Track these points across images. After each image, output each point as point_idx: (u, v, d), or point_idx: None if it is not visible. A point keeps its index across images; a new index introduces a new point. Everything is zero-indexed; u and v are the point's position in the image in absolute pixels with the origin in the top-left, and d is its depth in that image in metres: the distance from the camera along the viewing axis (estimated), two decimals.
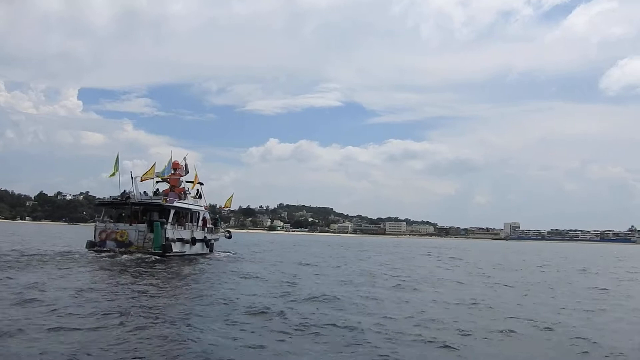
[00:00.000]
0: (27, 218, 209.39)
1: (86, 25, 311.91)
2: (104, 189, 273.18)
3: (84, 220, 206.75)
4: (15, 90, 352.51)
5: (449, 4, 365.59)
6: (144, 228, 28.06)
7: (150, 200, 29.54)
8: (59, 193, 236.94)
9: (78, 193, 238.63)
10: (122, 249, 27.51)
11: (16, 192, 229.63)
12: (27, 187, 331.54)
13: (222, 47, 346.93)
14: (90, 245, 28.47)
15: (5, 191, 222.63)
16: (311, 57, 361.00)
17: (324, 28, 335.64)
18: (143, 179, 29.80)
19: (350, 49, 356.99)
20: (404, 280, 22.47)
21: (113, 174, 29.39)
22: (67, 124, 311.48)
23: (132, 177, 29.55)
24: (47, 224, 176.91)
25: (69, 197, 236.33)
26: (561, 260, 52.52)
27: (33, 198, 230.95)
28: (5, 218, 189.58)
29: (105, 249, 27.80)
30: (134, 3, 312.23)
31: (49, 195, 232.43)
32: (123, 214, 29.81)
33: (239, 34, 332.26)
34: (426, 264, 36.62)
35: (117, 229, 28.35)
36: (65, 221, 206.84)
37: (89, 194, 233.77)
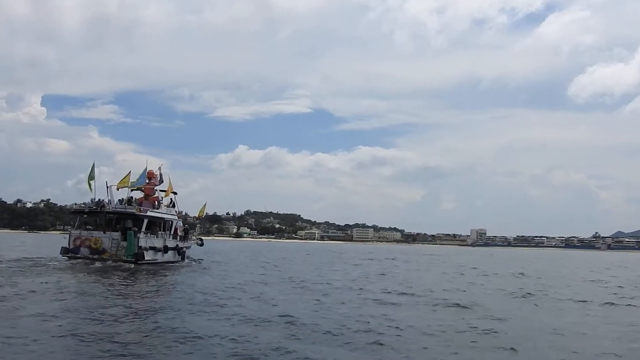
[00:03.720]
0: None
1: (54, 30, 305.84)
2: (68, 196, 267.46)
3: (44, 228, 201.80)
4: None
5: (424, 12, 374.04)
6: (118, 236, 28.68)
7: (124, 209, 30.18)
8: (18, 200, 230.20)
9: (39, 200, 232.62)
10: (96, 256, 28.08)
11: None
12: None
13: (191, 53, 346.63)
14: (65, 251, 28.99)
15: None
16: (281, 64, 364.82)
17: (296, 34, 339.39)
18: (118, 187, 30.45)
19: (320, 55, 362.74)
20: None
21: (90, 182, 30.02)
22: (30, 131, 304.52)
23: (107, 186, 30.30)
24: (5, 232, 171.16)
25: (29, 205, 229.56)
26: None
27: None
28: None
29: (79, 255, 28.36)
30: (105, 9, 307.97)
31: (8, 203, 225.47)
32: (97, 221, 30.36)
33: (209, 40, 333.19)
34: None
35: (91, 236, 28.86)
36: (25, 229, 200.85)
37: (50, 201, 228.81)
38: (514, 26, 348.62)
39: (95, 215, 30.22)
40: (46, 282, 19.29)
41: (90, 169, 30.20)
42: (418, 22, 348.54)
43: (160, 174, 33.37)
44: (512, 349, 10.83)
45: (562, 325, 13.97)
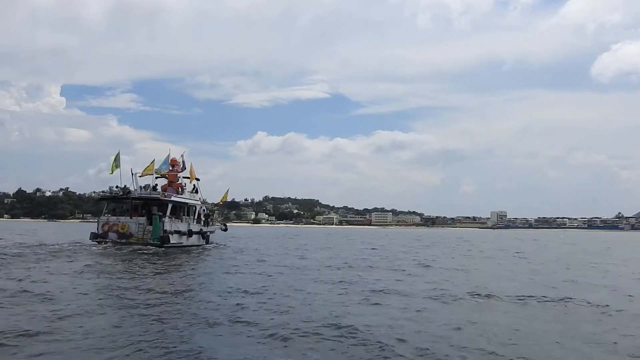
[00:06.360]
0: (5, 215, 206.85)
1: (76, 18, 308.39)
2: (89, 184, 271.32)
3: (64, 216, 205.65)
4: None
5: None
6: (144, 221, 29.66)
7: (149, 195, 31.07)
8: (38, 189, 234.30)
9: (58, 189, 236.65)
10: (123, 240, 29.10)
11: None
12: (10, 185, 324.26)
13: (211, 40, 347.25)
14: (94, 236, 30.06)
15: None
16: (300, 49, 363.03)
17: (315, 20, 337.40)
18: (143, 175, 31.36)
19: (339, 40, 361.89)
20: None
21: (112, 172, 30.96)
22: (51, 120, 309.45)
23: (132, 174, 31.24)
24: (25, 221, 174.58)
25: (48, 194, 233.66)
26: None
27: (12, 195, 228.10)
28: None
29: (107, 240, 29.37)
30: None
31: (28, 192, 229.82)
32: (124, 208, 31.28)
33: (229, 27, 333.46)
34: None
35: (119, 221, 29.91)
36: (44, 218, 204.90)
37: (69, 189, 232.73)
38: (539, 6, 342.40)
39: (121, 202, 31.14)
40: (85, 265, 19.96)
41: (115, 157, 31.08)
42: (441, 5, 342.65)
43: (183, 161, 34.12)
44: None
45: None
